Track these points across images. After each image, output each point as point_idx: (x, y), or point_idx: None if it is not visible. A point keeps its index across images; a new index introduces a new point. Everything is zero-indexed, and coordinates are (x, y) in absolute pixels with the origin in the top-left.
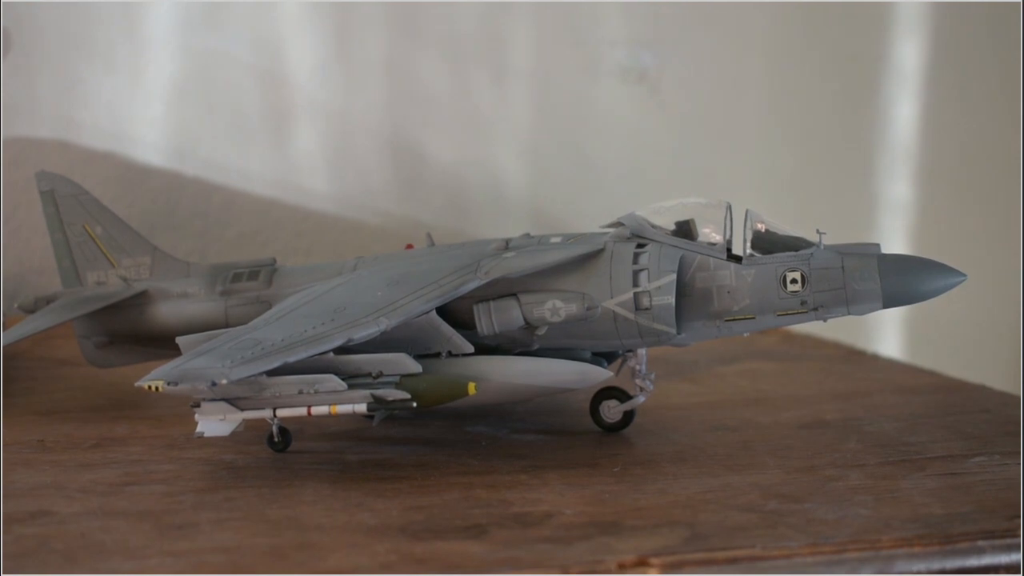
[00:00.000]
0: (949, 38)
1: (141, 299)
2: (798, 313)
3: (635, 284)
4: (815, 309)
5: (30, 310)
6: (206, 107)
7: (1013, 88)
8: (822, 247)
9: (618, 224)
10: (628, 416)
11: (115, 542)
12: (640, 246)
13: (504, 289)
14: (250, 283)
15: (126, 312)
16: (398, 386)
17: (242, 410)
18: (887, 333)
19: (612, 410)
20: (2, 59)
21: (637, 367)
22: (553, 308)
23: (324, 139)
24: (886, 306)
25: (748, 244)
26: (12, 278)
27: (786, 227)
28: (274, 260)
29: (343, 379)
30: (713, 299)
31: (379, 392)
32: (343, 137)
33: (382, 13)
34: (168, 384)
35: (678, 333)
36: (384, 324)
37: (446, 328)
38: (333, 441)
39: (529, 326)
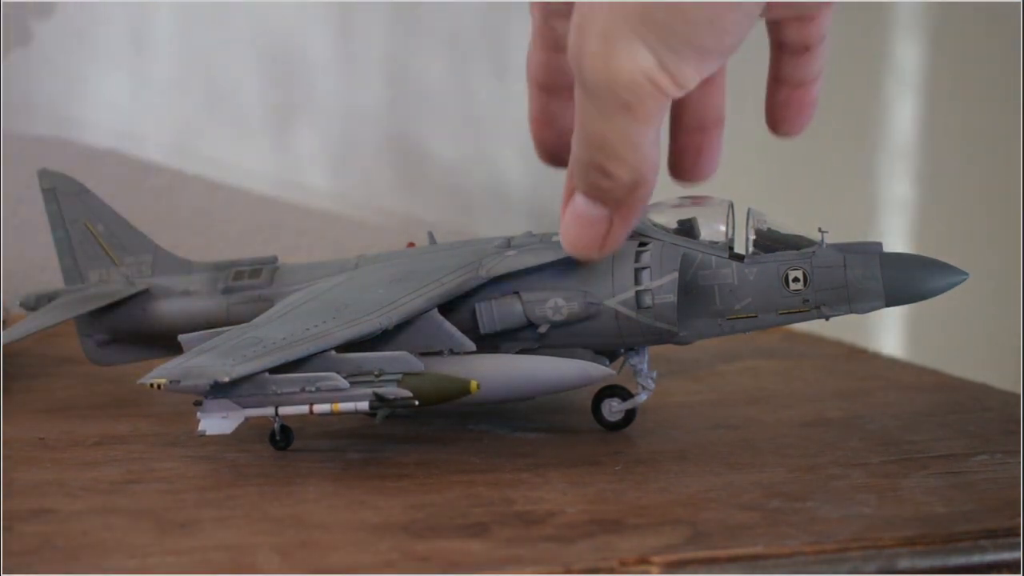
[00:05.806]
0: (950, 38)
1: (143, 297)
2: (800, 311)
3: (637, 282)
4: (817, 307)
5: (32, 308)
6: (208, 105)
7: (1013, 88)
8: (824, 246)
9: None
10: (630, 414)
11: (117, 540)
12: (642, 244)
13: (506, 287)
14: (252, 281)
15: (128, 310)
16: (400, 384)
17: (244, 408)
18: (889, 331)
19: (614, 408)
20: (3, 57)
21: (639, 365)
22: (555, 306)
23: (326, 137)
24: (888, 304)
25: (750, 243)
26: (14, 276)
27: (788, 226)
28: (276, 258)
29: (345, 377)
30: (715, 297)
31: (381, 390)
32: (345, 135)
33: (384, 11)
34: (170, 382)
35: (680, 331)
36: (386, 322)
37: (448, 326)
38: (335, 439)
39: (531, 324)
